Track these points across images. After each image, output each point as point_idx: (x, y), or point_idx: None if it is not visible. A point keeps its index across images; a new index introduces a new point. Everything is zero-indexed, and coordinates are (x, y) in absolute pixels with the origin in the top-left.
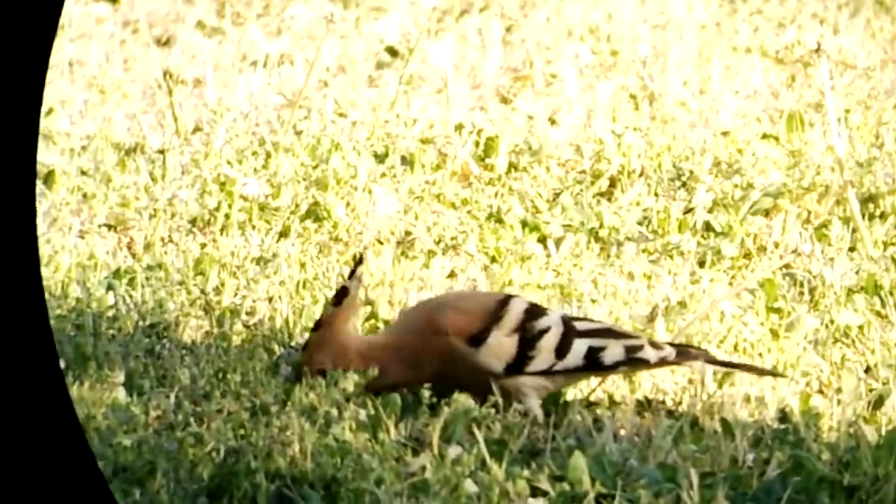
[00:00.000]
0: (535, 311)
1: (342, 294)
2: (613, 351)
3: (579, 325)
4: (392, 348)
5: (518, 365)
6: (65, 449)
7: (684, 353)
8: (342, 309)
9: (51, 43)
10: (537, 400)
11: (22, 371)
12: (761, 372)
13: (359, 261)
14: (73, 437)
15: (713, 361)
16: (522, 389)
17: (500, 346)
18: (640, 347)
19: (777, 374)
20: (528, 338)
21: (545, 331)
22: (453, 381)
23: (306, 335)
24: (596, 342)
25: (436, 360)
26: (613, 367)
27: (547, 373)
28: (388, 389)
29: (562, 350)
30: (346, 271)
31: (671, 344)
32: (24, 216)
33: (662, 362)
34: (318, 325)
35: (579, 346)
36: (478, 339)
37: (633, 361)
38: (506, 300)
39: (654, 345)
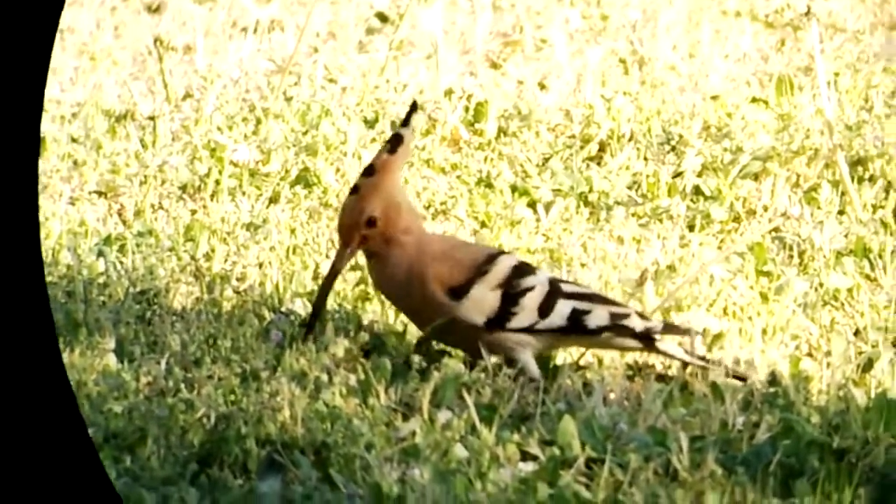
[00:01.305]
0: (523, 269)
1: (397, 141)
2: (598, 315)
3: (566, 287)
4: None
5: (499, 320)
6: (57, 415)
7: (671, 328)
8: (397, 156)
9: (57, 19)
10: (530, 356)
11: (16, 338)
12: (733, 374)
13: (413, 108)
14: (66, 404)
15: (693, 355)
16: (506, 344)
17: (483, 299)
18: (627, 315)
19: (743, 379)
20: (511, 294)
21: (530, 289)
22: (444, 332)
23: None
24: (581, 305)
25: (422, 305)
26: (598, 332)
27: (529, 330)
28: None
29: (545, 309)
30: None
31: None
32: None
33: (648, 332)
34: (371, 170)
35: (563, 307)
36: (459, 291)
37: (617, 328)
38: (496, 255)
39: (642, 316)
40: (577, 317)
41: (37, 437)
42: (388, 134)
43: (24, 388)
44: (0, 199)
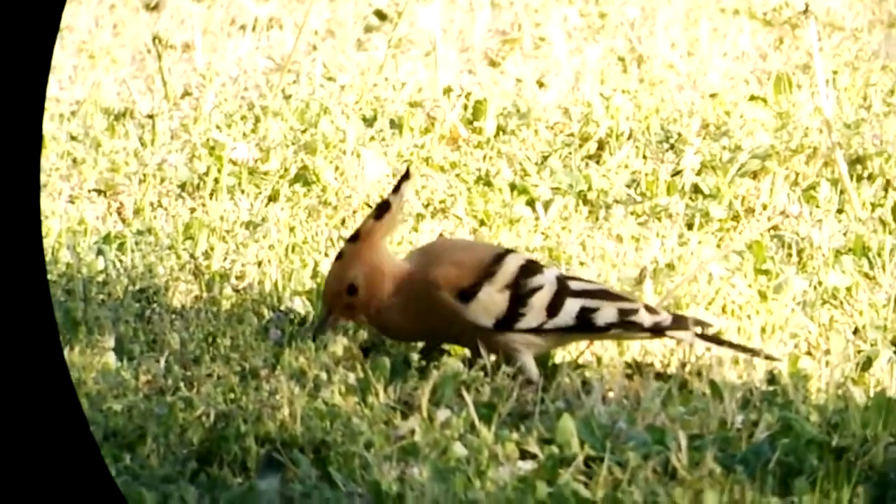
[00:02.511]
0: (530, 269)
1: (384, 208)
2: (606, 312)
3: (574, 285)
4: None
5: (508, 321)
6: (58, 413)
7: (680, 320)
8: (382, 224)
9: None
10: (531, 357)
11: (18, 337)
12: (752, 352)
13: (405, 175)
14: (66, 403)
15: (705, 337)
16: (513, 345)
17: (492, 301)
18: (635, 311)
19: (770, 358)
20: (520, 294)
21: (538, 288)
22: (448, 335)
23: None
24: (589, 302)
25: (430, 311)
26: (606, 329)
27: (537, 330)
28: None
29: (553, 308)
30: (334, 234)
31: (669, 312)
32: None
33: (657, 327)
34: (356, 236)
35: (571, 306)
36: (468, 293)
37: (626, 324)
38: (503, 255)
39: (650, 310)
40: (585, 315)
41: (39, 436)
42: (388, 132)
43: (26, 387)
44: (2, 198)
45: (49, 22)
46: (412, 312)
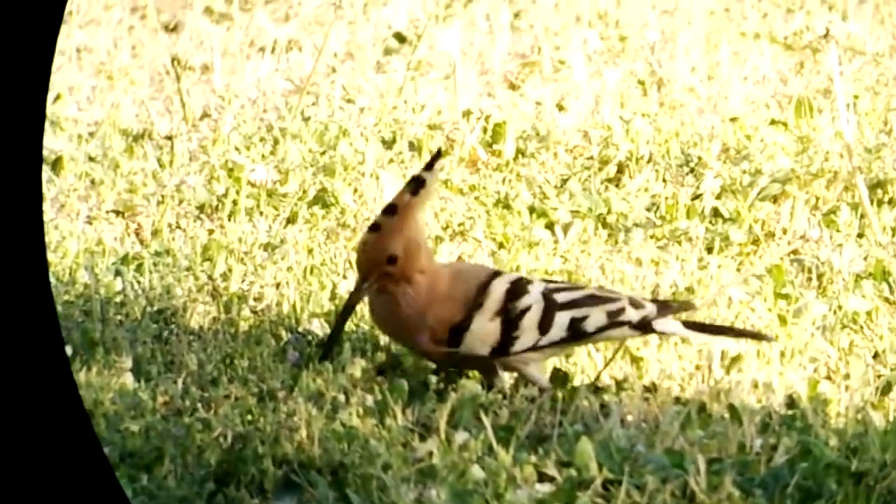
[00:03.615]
0: (516, 290)
1: (419, 184)
2: (595, 318)
3: (560, 298)
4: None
5: (503, 347)
6: (70, 435)
7: (665, 307)
8: (419, 198)
9: (57, 29)
10: (535, 368)
11: (27, 358)
12: (742, 334)
13: (437, 153)
14: (79, 424)
15: (691, 326)
16: (513, 366)
17: (484, 331)
18: (622, 310)
19: (761, 337)
20: (510, 319)
21: (526, 310)
22: (453, 363)
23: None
24: (577, 312)
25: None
26: (597, 333)
27: (532, 349)
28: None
29: (544, 326)
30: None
31: (653, 300)
32: (30, 203)
33: (644, 321)
34: (393, 210)
35: (561, 319)
36: (460, 328)
37: (616, 325)
38: (486, 283)
39: (635, 303)
40: (576, 325)
41: (52, 457)
42: (406, 154)
43: (36, 407)
44: (6, 215)
45: (49, 26)
46: (408, 336)
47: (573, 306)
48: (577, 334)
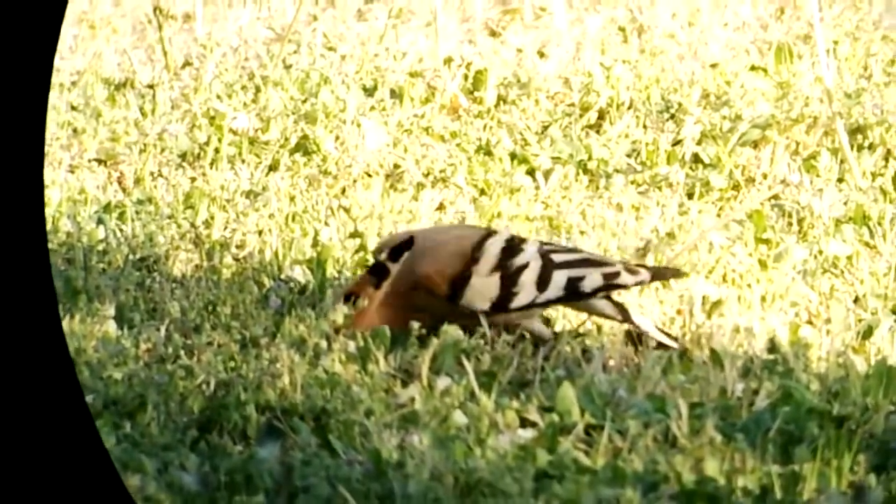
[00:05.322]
0: (511, 248)
1: (383, 275)
2: (592, 279)
3: (556, 258)
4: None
5: (503, 302)
6: (54, 382)
7: (659, 274)
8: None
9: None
10: (534, 321)
11: (17, 306)
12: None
13: (409, 241)
14: (64, 371)
15: (661, 332)
16: (513, 322)
17: (484, 285)
18: (617, 274)
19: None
20: (508, 275)
21: (524, 266)
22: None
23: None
24: (574, 272)
25: (423, 307)
26: (594, 294)
27: (530, 306)
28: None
29: (542, 283)
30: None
31: (646, 267)
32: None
33: (638, 285)
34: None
35: (559, 278)
36: (460, 280)
37: (611, 287)
38: (481, 242)
39: (630, 270)
40: (573, 284)
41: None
42: (388, 101)
43: (24, 356)
44: (5, 170)
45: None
46: (408, 308)
47: (569, 266)
48: (573, 294)
